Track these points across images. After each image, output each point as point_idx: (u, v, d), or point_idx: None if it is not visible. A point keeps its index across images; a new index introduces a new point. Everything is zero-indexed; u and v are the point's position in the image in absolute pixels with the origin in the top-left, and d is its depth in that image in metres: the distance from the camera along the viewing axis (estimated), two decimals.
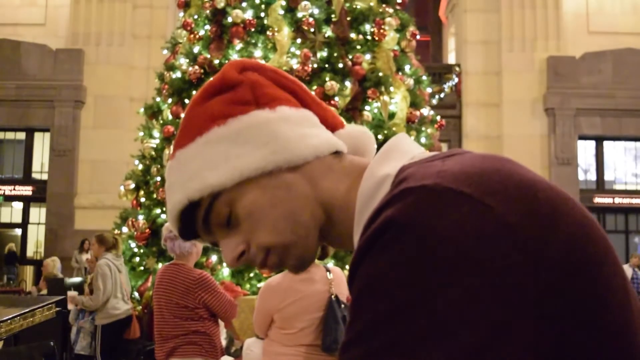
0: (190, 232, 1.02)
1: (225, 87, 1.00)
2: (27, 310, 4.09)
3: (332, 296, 3.91)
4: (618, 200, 20.37)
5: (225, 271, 8.10)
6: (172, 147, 1.05)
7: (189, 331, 4.49)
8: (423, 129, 9.29)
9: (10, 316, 3.93)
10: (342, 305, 3.92)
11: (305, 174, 0.96)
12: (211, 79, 1.04)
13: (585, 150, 21.24)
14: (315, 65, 8.70)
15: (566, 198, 0.77)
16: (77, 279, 11.55)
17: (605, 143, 21.38)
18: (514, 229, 0.70)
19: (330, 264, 4.90)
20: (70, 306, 7.53)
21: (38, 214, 20.75)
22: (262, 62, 1.10)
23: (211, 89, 1.02)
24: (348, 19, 9.28)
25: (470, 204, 0.71)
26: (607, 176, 21.37)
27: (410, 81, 9.54)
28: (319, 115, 1.04)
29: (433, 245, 0.69)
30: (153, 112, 10.02)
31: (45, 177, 20.14)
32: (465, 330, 0.67)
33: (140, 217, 9.01)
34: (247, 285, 8.02)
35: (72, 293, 7.60)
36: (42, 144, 20.44)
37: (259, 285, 7.56)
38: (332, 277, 4.00)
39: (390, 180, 0.86)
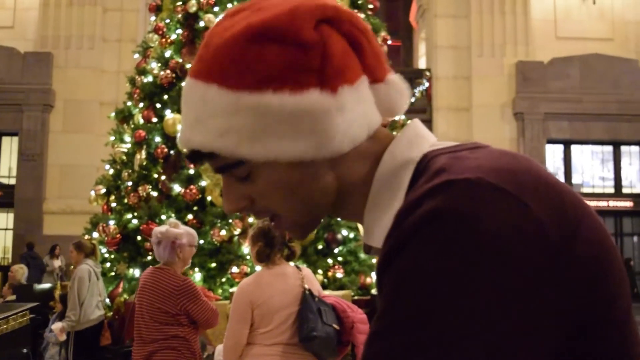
0: (198, 158, 0.93)
1: (295, 42, 0.86)
2: (1, 317, 4.03)
3: (306, 290, 3.95)
4: None
5: (197, 276, 8.08)
6: (198, 67, 0.90)
7: (168, 336, 4.46)
8: (394, 133, 9.35)
9: None
10: (316, 299, 3.97)
11: (336, 164, 0.92)
12: (273, 14, 0.87)
13: (554, 154, 21.50)
14: None
15: (582, 200, 0.80)
16: (46, 285, 11.42)
17: (573, 147, 21.66)
18: (545, 228, 0.73)
19: (304, 266, 4.93)
20: (62, 337, 7.40)
21: (5, 219, 20.47)
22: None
23: (274, 30, 0.86)
24: None
25: (510, 201, 0.73)
26: (575, 179, 21.64)
27: None
28: (370, 69, 0.93)
29: (478, 239, 0.70)
30: (124, 116, 9.97)
31: (13, 181, 19.88)
32: (499, 328, 0.70)
33: (111, 223, 8.95)
34: (220, 291, 8.00)
35: (57, 325, 7.47)
36: (10, 148, 20.19)
37: (231, 290, 7.54)
38: (303, 274, 4.05)
39: (412, 165, 0.88)
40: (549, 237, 0.72)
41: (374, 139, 0.95)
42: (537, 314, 0.71)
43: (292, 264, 4.14)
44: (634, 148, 21.75)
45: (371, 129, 0.93)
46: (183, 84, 9.62)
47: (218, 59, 0.87)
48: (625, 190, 21.86)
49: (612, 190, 21.83)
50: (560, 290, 0.72)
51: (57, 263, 15.48)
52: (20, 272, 11.10)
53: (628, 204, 21.56)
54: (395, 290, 0.73)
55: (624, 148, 21.77)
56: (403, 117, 10.05)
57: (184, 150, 0.94)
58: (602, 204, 21.23)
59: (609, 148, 21.78)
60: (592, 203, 20.65)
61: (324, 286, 7.68)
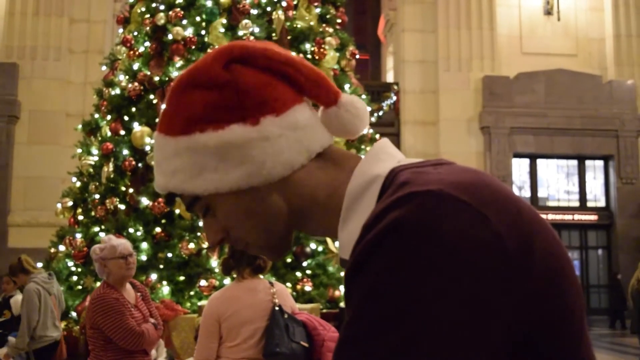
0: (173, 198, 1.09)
1: (210, 84, 0.98)
2: None
3: (276, 306, 3.95)
4: (551, 216, 20.92)
5: (165, 289, 8.03)
6: (159, 121, 1.06)
7: (92, 348, 4.51)
8: (362, 147, 9.41)
9: None
10: (286, 315, 3.97)
11: (281, 188, 0.99)
12: (195, 64, 1.02)
13: (520, 167, 21.78)
14: None
15: (539, 216, 0.84)
16: None
17: (539, 161, 21.96)
18: (503, 240, 0.76)
19: (273, 279, 4.92)
20: None
21: None
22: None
23: (196, 79, 1.00)
24: (288, 37, 9.36)
25: (469, 212, 0.76)
26: (541, 193, 21.93)
27: None
28: (312, 96, 1.03)
29: (437, 251, 0.73)
30: (91, 128, 9.89)
31: None
32: (456, 335, 0.73)
33: (78, 235, 8.86)
34: (188, 304, 7.96)
35: (2, 351, 7.18)
36: None
37: (199, 303, 7.51)
38: (275, 289, 4.05)
39: (380, 180, 0.91)
40: (506, 248, 0.75)
41: (329, 159, 1.01)
42: (493, 322, 0.74)
43: (262, 277, 4.15)
44: (598, 162, 22.11)
45: (312, 151, 1.00)
46: (151, 96, 9.67)
47: (164, 112, 1.04)
48: (589, 204, 22.19)
49: (577, 204, 22.14)
50: (516, 301, 0.75)
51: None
52: None
53: (592, 217, 21.89)
54: (360, 301, 0.77)
55: (588, 162, 22.13)
56: (371, 130, 10.14)
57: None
58: (568, 217, 21.53)
59: (574, 162, 22.13)
60: (557, 216, 20.95)
61: (293, 299, 7.68)
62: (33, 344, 7.08)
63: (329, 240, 7.99)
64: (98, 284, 8.37)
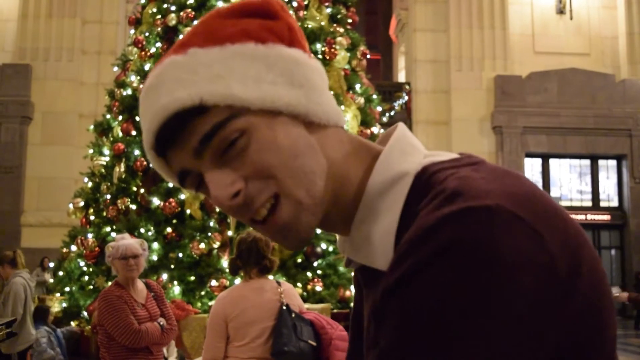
0: (165, 143, 0.87)
1: (264, 13, 0.90)
2: None
3: (283, 305, 3.96)
4: None
5: (176, 289, 8.05)
6: (175, 48, 0.89)
7: (100, 345, 4.58)
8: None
9: None
10: (293, 314, 3.97)
11: (320, 141, 0.90)
12: (243, 2, 0.92)
13: (532, 167, 21.68)
14: None
15: (577, 224, 0.81)
16: None
17: (551, 160, 21.85)
18: (555, 260, 0.74)
19: (283, 279, 4.89)
20: None
21: None
22: None
23: (247, 8, 0.90)
24: None
25: (526, 231, 0.74)
26: (553, 193, 21.81)
27: (361, 100, 9.67)
28: None
29: (495, 272, 0.72)
30: (103, 129, 9.96)
31: None
32: (506, 355, 0.72)
33: (90, 236, 8.91)
34: (199, 304, 7.98)
35: None
36: None
37: (210, 303, 7.52)
38: (283, 289, 4.05)
39: (409, 179, 0.87)
40: (557, 269, 0.74)
41: (359, 140, 0.95)
42: (540, 345, 0.74)
43: (271, 277, 4.15)
44: (611, 162, 21.98)
45: (342, 120, 0.95)
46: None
47: (195, 30, 0.90)
48: (602, 204, 22.07)
49: (589, 204, 22.02)
50: (562, 323, 0.75)
51: (47, 276, 15.40)
52: None
53: (605, 217, 21.76)
54: (411, 316, 0.74)
55: (601, 162, 22.00)
56: (382, 131, 10.11)
57: (160, 120, 0.85)
58: (580, 217, 21.41)
59: (587, 162, 22.00)
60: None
61: (303, 299, 7.68)
62: (18, 344, 6.92)
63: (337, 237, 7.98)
64: (109, 283, 8.46)
